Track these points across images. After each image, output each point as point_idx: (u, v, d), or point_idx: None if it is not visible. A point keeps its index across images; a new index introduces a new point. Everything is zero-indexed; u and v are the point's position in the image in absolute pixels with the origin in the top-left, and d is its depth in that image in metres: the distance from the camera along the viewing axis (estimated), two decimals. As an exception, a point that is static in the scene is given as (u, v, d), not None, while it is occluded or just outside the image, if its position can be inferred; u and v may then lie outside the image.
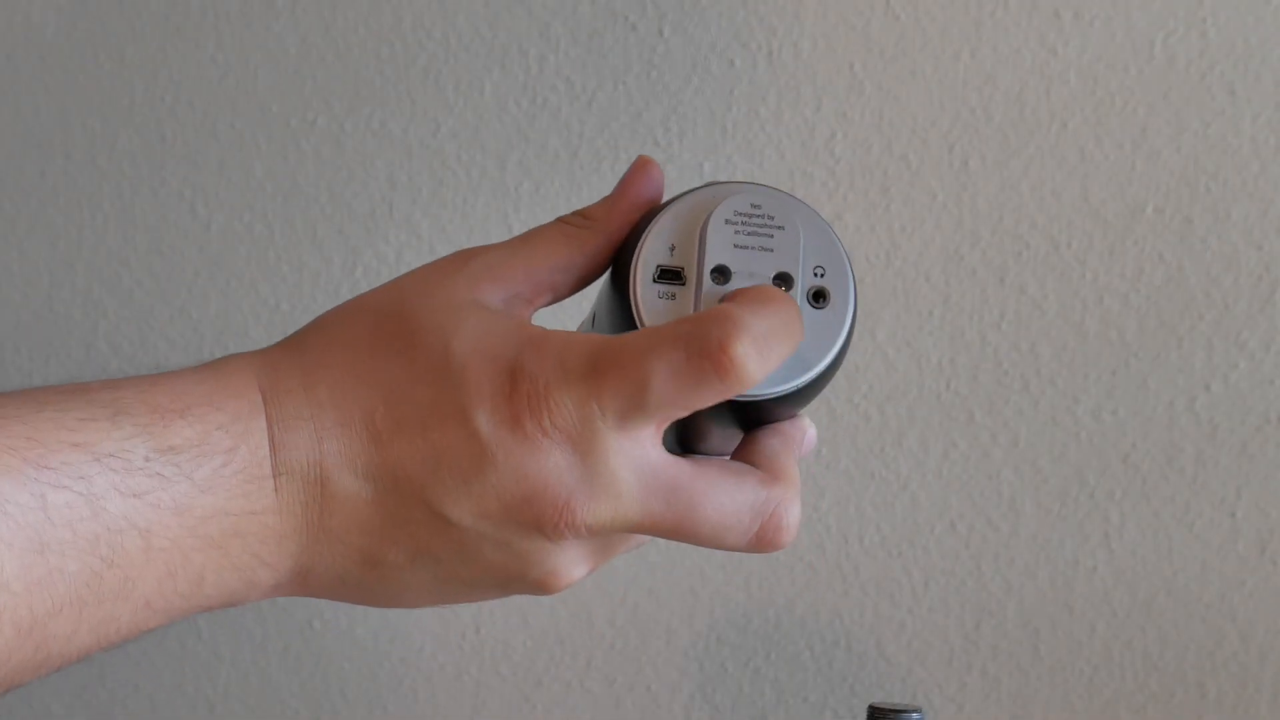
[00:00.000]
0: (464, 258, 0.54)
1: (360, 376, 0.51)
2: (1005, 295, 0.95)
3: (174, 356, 1.03)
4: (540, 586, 0.52)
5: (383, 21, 1.01)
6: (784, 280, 0.51)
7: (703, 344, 0.47)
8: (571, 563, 0.52)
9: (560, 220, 0.55)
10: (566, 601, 1.00)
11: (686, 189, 0.54)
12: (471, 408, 0.49)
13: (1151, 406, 0.94)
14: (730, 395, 0.49)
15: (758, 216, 0.52)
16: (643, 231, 0.52)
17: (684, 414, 0.49)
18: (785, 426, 0.55)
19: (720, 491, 0.51)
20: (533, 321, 0.53)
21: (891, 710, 0.71)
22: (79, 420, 0.47)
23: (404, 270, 1.01)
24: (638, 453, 0.50)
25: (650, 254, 0.52)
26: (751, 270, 0.51)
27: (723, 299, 0.51)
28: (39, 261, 1.05)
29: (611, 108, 0.99)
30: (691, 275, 0.51)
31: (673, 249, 0.52)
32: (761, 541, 0.52)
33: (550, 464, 0.49)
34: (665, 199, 0.56)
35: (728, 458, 0.54)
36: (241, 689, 1.04)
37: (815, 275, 0.52)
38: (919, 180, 0.96)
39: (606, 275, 0.55)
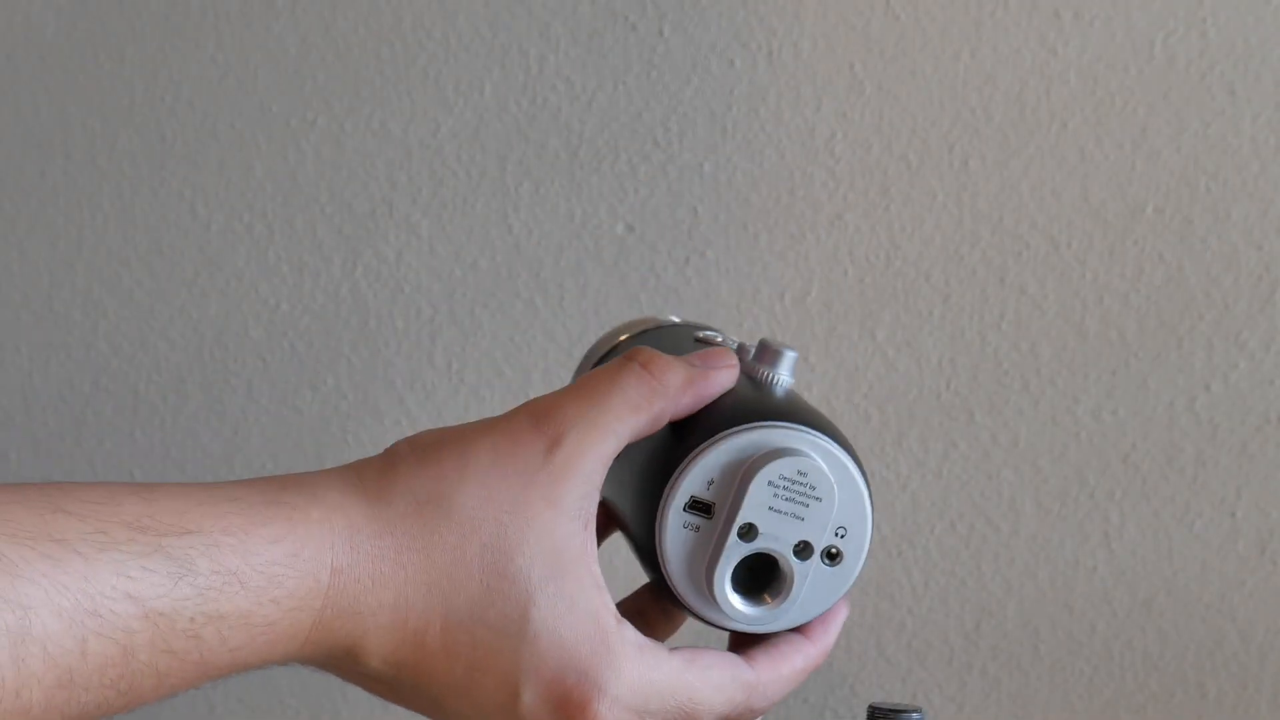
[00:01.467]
0: (546, 442, 0.53)
1: (433, 588, 0.52)
2: (1005, 295, 0.95)
3: (174, 356, 1.03)
4: None
5: (383, 21, 1.01)
6: (805, 547, 0.54)
7: (742, 715, 0.55)
8: None
9: (639, 369, 0.55)
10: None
11: (746, 409, 0.55)
12: (526, 679, 0.52)
13: (1151, 406, 0.94)
14: None
15: (800, 484, 0.53)
16: (689, 453, 0.54)
17: None
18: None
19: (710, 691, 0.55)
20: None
21: (891, 710, 0.71)
22: (142, 570, 0.48)
23: (404, 271, 1.01)
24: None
25: (690, 482, 0.53)
26: (777, 535, 0.53)
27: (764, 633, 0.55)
28: (39, 261, 1.05)
29: (611, 108, 0.99)
30: (720, 517, 0.53)
31: (710, 484, 0.53)
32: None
33: None
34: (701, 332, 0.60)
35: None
36: (241, 689, 1.04)
37: (836, 536, 0.54)
38: (919, 180, 0.96)
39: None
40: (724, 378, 0.56)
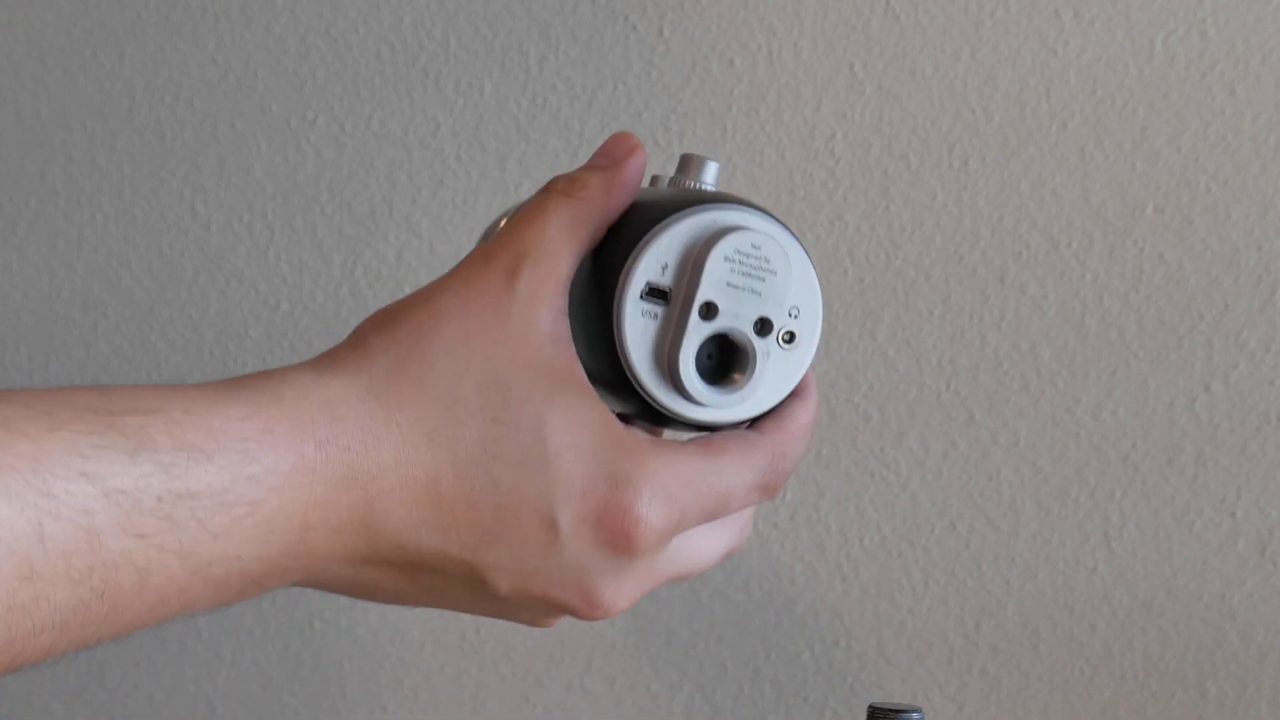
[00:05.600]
0: (505, 275, 0.51)
1: (435, 439, 0.49)
2: (1005, 295, 0.95)
3: (174, 356, 1.04)
4: (535, 625, 0.55)
5: (383, 21, 1.01)
6: (764, 324, 0.53)
7: (773, 482, 0.54)
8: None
9: (559, 193, 0.54)
10: (566, 601, 1.00)
11: (680, 196, 0.55)
12: (558, 502, 0.49)
13: (1151, 406, 0.94)
14: None
15: (755, 258, 0.52)
16: (639, 240, 0.53)
17: None
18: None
19: (710, 543, 0.55)
20: None
21: (891, 710, 0.71)
22: (95, 447, 0.44)
23: (404, 271, 1.01)
24: (673, 548, 0.53)
25: (643, 269, 0.52)
26: (737, 311, 0.52)
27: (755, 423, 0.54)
28: (39, 261, 1.05)
29: (611, 108, 0.99)
30: (678, 301, 0.52)
31: (665, 268, 0.52)
32: (728, 557, 0.57)
33: (611, 568, 0.51)
34: (648, 181, 0.57)
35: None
36: (241, 689, 1.04)
37: (790, 316, 0.53)
38: (919, 180, 0.96)
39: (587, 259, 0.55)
40: (637, 159, 0.55)
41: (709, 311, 0.52)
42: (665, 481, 0.50)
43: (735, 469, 0.52)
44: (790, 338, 0.53)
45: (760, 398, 0.53)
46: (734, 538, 0.56)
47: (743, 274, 0.52)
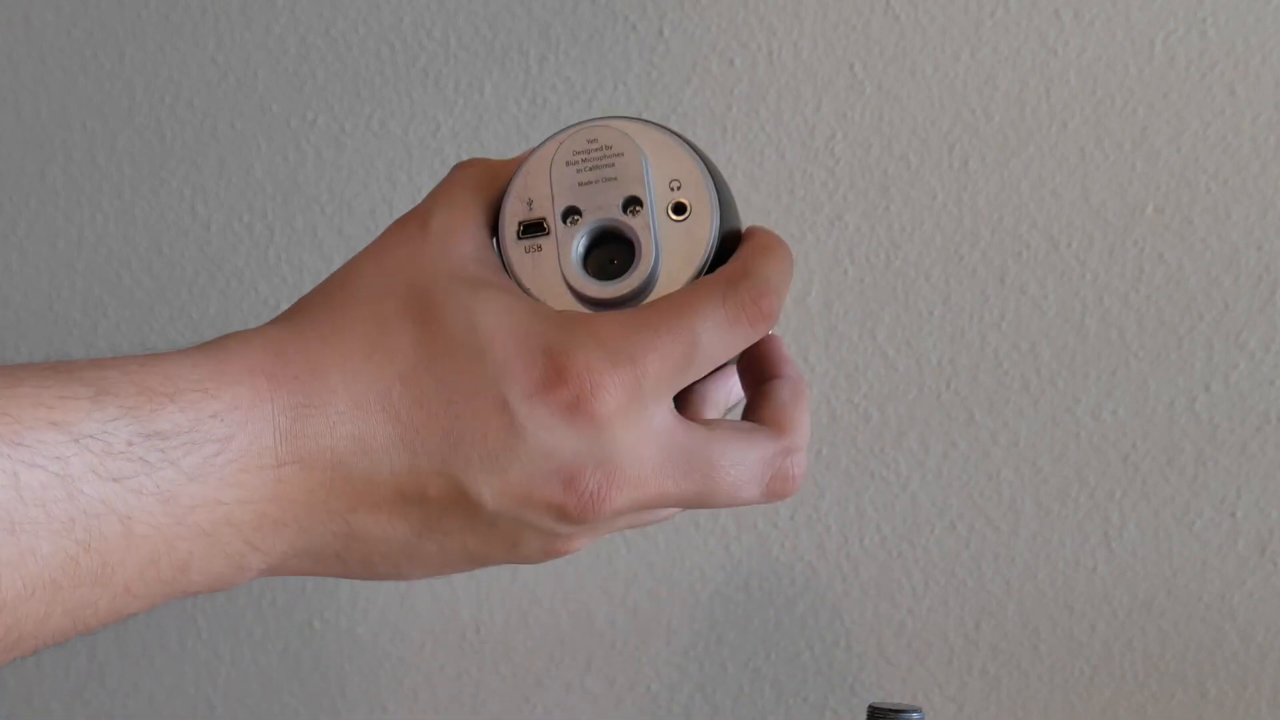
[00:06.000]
0: (419, 222, 0.53)
1: (373, 355, 0.50)
2: (1005, 295, 0.95)
3: (174, 356, 1.04)
4: (545, 556, 0.53)
5: (383, 21, 1.01)
6: (634, 203, 0.53)
7: (744, 306, 0.51)
8: (581, 536, 0.52)
9: (463, 163, 0.55)
10: (566, 601, 1.00)
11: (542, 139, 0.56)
12: (503, 383, 0.49)
13: (1151, 406, 0.94)
14: (758, 338, 0.52)
15: (595, 151, 0.53)
16: (504, 190, 0.54)
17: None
18: (795, 377, 0.56)
19: (734, 454, 0.52)
20: None
21: (891, 710, 0.71)
22: (58, 398, 0.45)
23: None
24: (662, 427, 0.50)
25: (511, 213, 0.53)
26: (599, 203, 0.52)
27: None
28: (39, 261, 1.05)
29: (611, 108, 0.99)
30: (550, 225, 0.53)
31: (530, 203, 0.53)
32: (771, 495, 0.54)
33: (584, 445, 0.49)
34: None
35: (739, 418, 0.55)
36: (241, 689, 1.04)
37: (671, 189, 0.53)
38: (919, 180, 0.96)
39: None
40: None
41: (573, 215, 0.52)
42: (602, 338, 0.50)
43: (686, 304, 0.51)
44: (680, 208, 0.53)
45: (673, 270, 0.52)
46: (771, 456, 0.53)
47: (589, 168, 0.53)
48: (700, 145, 0.55)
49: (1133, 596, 0.95)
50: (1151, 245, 0.94)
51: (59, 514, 0.44)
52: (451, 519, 0.51)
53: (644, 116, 0.54)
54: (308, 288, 1.02)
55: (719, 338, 0.51)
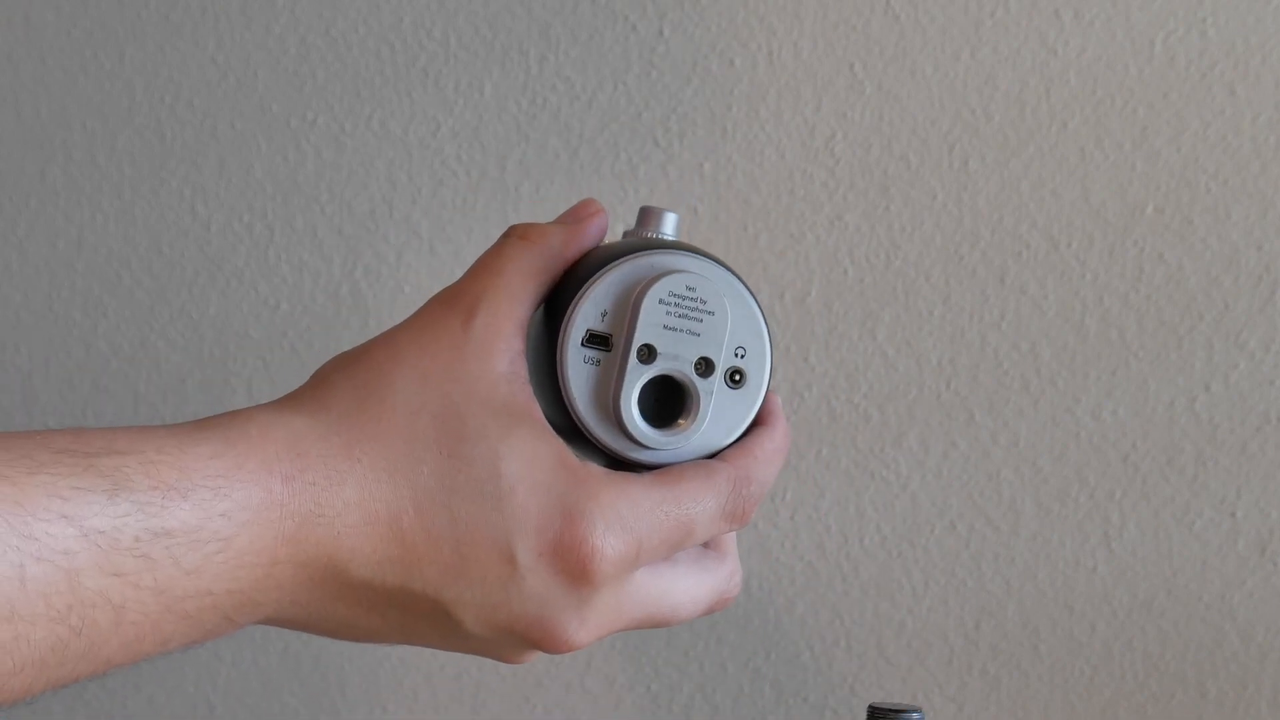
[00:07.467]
0: (463, 317, 0.53)
1: (394, 474, 0.51)
2: (1005, 295, 0.95)
3: (174, 356, 1.03)
4: (513, 663, 0.56)
5: (383, 21, 1.01)
6: (706, 364, 0.54)
7: (739, 508, 0.54)
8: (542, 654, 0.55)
9: (518, 238, 0.55)
10: (566, 601, 1.00)
11: (628, 244, 0.56)
12: (515, 537, 0.51)
13: (1151, 406, 0.94)
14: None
15: (690, 300, 0.54)
16: (579, 288, 0.54)
17: None
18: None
19: (690, 595, 0.56)
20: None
21: (891, 710, 0.71)
22: (74, 489, 0.45)
23: (404, 271, 1.01)
24: (640, 588, 0.54)
25: (583, 317, 0.54)
26: (676, 353, 0.53)
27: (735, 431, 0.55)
28: (39, 261, 1.05)
29: (611, 108, 0.99)
30: (619, 346, 0.54)
31: (604, 315, 0.54)
32: (715, 610, 0.58)
33: (573, 601, 0.52)
34: (607, 240, 0.58)
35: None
36: (241, 689, 1.04)
37: (736, 356, 0.54)
38: (919, 180, 0.96)
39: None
40: (598, 222, 0.57)
41: (648, 354, 0.53)
42: (620, 511, 0.51)
43: (693, 494, 0.53)
44: (737, 376, 0.54)
45: (709, 437, 0.54)
46: (720, 584, 0.57)
47: (679, 316, 0.53)
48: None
49: (1133, 596, 0.95)
50: (1151, 245, 0.94)
51: (57, 603, 0.45)
52: (429, 629, 0.53)
53: (724, 260, 0.55)
54: (308, 287, 1.02)
55: (710, 527, 0.54)
